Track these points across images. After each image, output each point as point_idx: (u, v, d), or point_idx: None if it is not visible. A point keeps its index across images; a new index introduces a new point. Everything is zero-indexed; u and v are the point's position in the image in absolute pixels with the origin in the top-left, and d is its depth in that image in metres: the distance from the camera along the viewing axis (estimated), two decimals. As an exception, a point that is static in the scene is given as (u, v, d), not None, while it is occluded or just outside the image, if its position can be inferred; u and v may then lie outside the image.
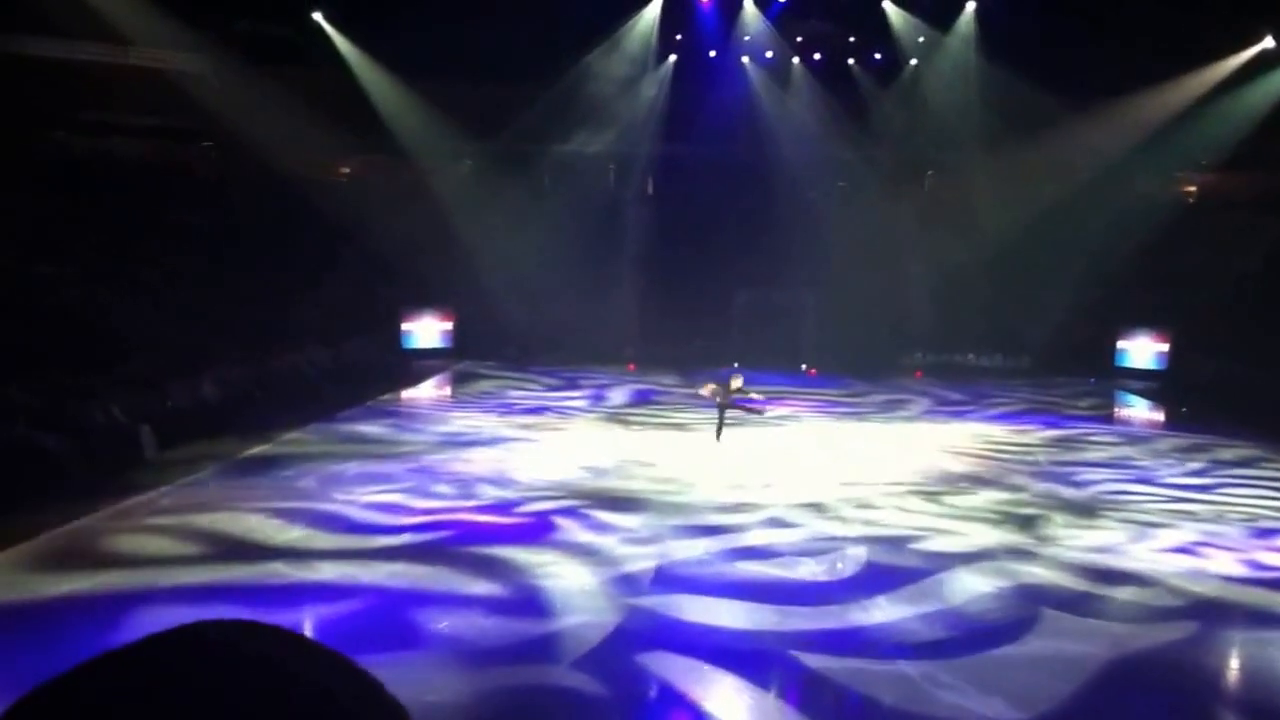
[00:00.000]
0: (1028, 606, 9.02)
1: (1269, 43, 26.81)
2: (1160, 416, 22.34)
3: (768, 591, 9.12)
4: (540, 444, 16.29)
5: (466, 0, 24.74)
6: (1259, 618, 9.00)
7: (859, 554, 10.48)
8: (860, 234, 28.36)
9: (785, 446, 16.56)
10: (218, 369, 18.17)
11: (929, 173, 32.40)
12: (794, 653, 7.77)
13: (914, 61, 30.06)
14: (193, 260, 23.70)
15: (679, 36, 30.20)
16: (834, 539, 11.08)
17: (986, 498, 13.13)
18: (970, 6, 28.39)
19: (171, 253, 23.68)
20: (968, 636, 8.28)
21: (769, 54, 30.65)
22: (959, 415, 20.42)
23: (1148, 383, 25.32)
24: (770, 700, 7.26)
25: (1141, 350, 26.78)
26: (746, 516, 11.83)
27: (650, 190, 32.78)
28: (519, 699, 7.10)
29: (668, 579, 9.51)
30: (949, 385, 24.53)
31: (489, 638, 8.01)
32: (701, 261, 28.81)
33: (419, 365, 25.77)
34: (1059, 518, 12.10)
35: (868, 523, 11.73)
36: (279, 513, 11.51)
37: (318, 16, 27.68)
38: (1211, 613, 9.01)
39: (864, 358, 26.92)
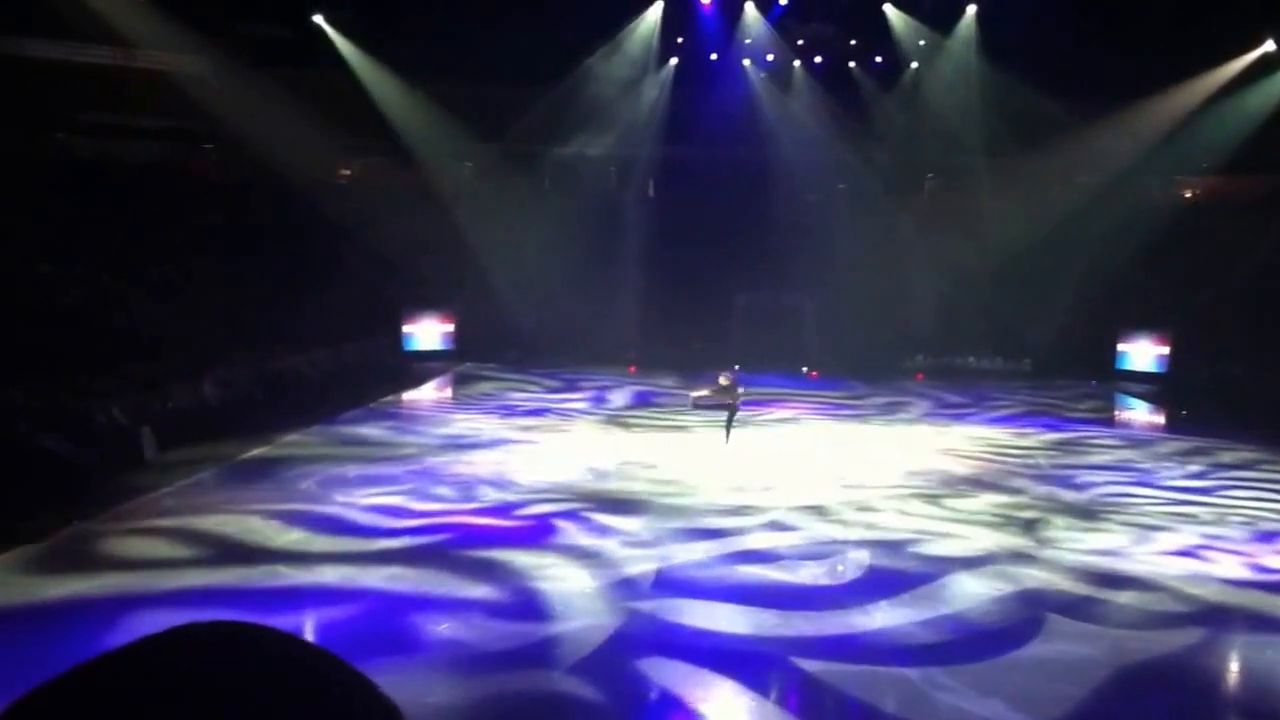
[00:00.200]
0: (1028, 610, 9.00)
1: (1270, 46, 26.80)
2: (1161, 419, 22.33)
3: (768, 595, 9.10)
4: (541, 446, 16.28)
5: (468, 3, 24.79)
6: (1260, 621, 8.98)
7: (860, 557, 10.47)
8: (861, 236, 28.39)
9: (786, 449, 16.55)
10: (219, 370, 18.18)
11: (930, 176, 32.42)
12: (794, 658, 7.74)
13: (915, 64, 30.07)
14: (195, 262, 23.71)
15: (680, 39, 30.24)
16: (835, 542, 11.08)
17: (987, 500, 13.12)
18: (971, 9, 28.41)
19: (173, 254, 23.69)
20: (968, 640, 8.27)
21: (770, 57, 30.69)
22: (960, 418, 20.41)
23: (1148, 385, 25.30)
24: (770, 707, 7.23)
25: (1142, 353, 26.77)
26: (747, 519, 11.82)
27: (651, 192, 32.81)
28: (516, 704, 7.08)
29: (668, 583, 9.49)
30: (950, 388, 24.52)
31: (488, 641, 7.99)
32: (702, 264, 28.83)
33: (420, 367, 25.78)
34: (1059, 521, 12.09)
35: (869, 526, 11.72)
36: (279, 515, 11.50)
37: (319, 19, 27.71)
38: (1212, 616, 8.99)
39: (865, 360, 26.92)
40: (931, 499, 13.11)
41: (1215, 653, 8.39)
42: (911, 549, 10.76)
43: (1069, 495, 13.52)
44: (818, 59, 30.66)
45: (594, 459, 15.24)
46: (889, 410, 21.31)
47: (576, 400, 21.63)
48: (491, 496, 12.81)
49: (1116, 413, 23.19)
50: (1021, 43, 25.57)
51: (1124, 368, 26.69)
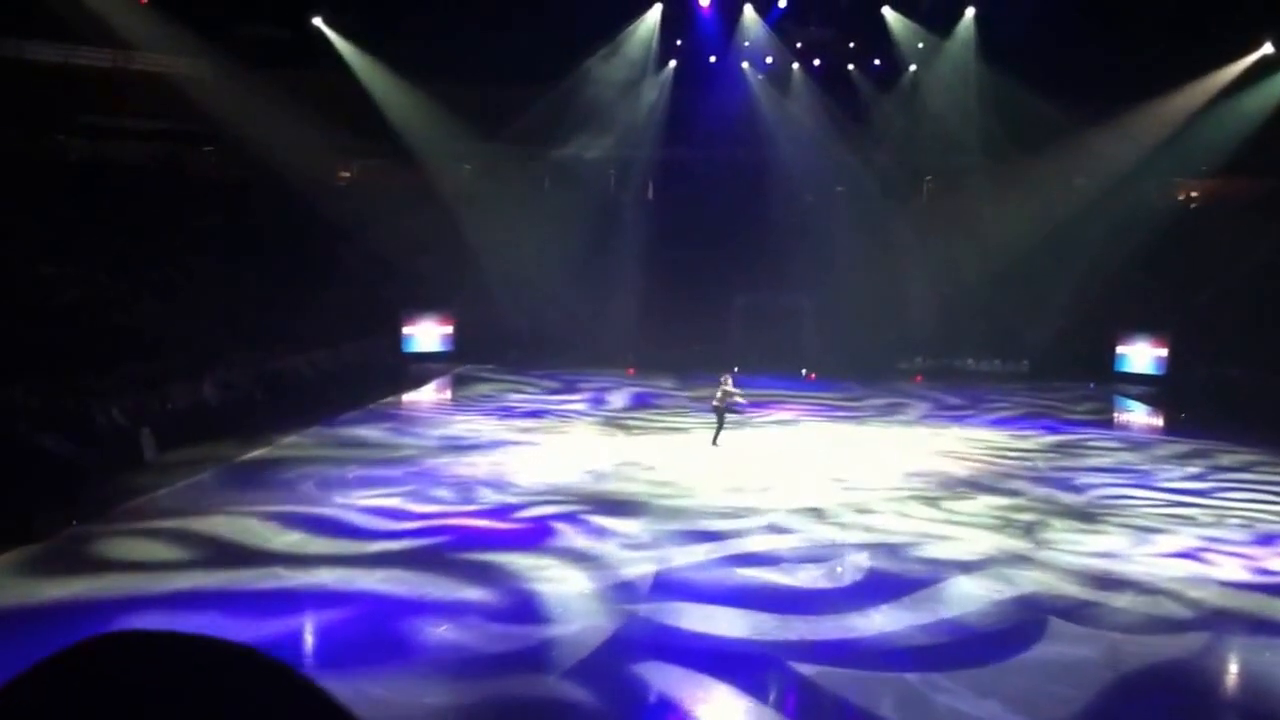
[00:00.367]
0: (1026, 612, 9.01)
1: (1268, 49, 26.83)
2: (1159, 421, 22.35)
3: (767, 599, 9.09)
4: (540, 448, 16.29)
5: (467, 5, 24.81)
6: (1259, 623, 8.98)
7: (858, 560, 10.47)
8: (859, 238, 28.41)
9: (785, 450, 16.56)
10: (218, 371, 18.17)
11: (928, 178, 32.45)
12: (793, 662, 7.72)
13: (913, 67, 30.10)
14: (194, 263, 23.70)
15: (679, 41, 30.25)
16: (833, 545, 11.08)
17: (985, 503, 13.12)
18: (969, 12, 28.43)
19: (174, 256, 23.69)
20: (966, 642, 8.28)
21: (769, 59, 30.71)
22: (958, 420, 20.41)
23: (1146, 387, 25.32)
24: (768, 711, 7.20)
25: (1140, 355, 26.78)
26: (746, 522, 11.81)
27: (650, 194, 32.83)
28: (511, 707, 7.05)
29: (666, 585, 9.48)
30: (948, 389, 24.54)
31: (484, 644, 7.98)
32: (701, 265, 28.85)
33: (419, 368, 25.78)
34: (1058, 523, 12.10)
35: (867, 528, 11.72)
36: (277, 517, 11.51)
37: (318, 21, 27.72)
38: (1211, 618, 9.00)
39: (863, 362, 26.94)
40: (930, 501, 13.12)
41: (1214, 655, 8.39)
42: (910, 551, 10.76)
43: (1067, 497, 13.53)
44: (816, 61, 30.69)
45: (592, 460, 15.25)
46: (887, 412, 21.31)
47: (575, 402, 21.63)
48: (490, 498, 12.82)
49: (1115, 415, 23.21)
50: (1020, 45, 25.59)
51: (1122, 370, 26.71)
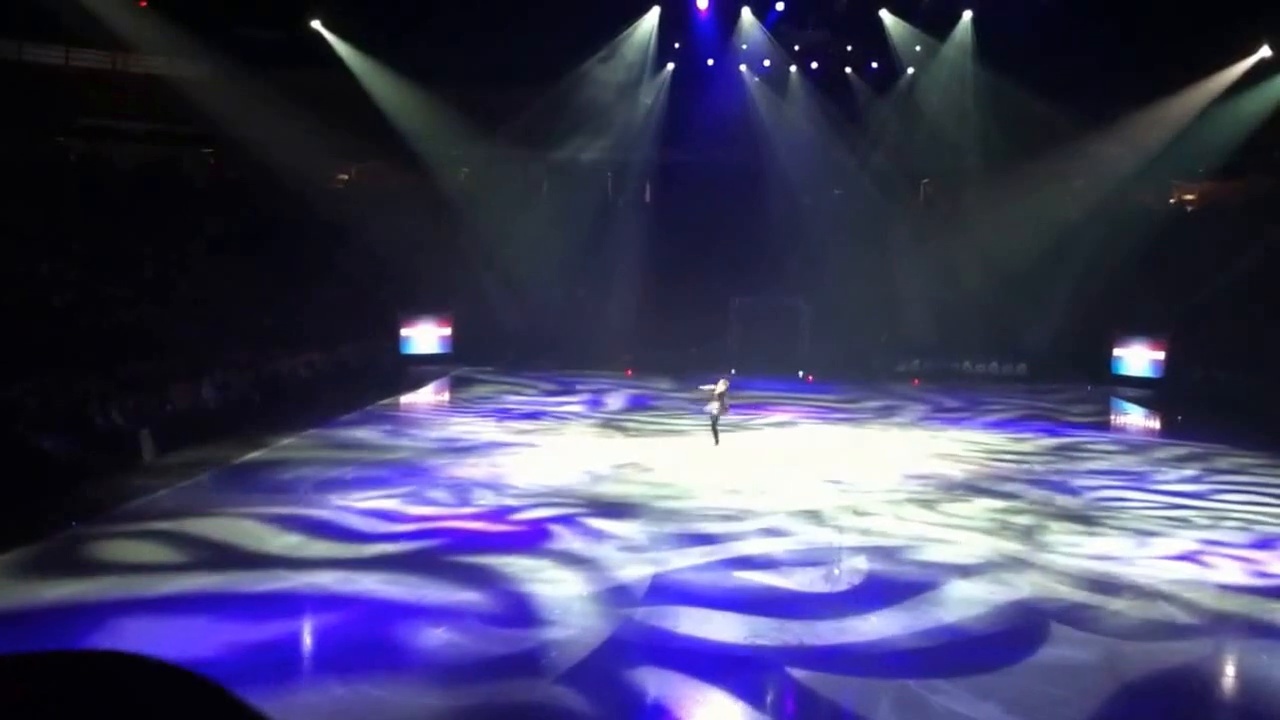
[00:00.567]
0: (1024, 615, 9.00)
1: (1265, 52, 26.88)
2: (1156, 424, 22.38)
3: (764, 602, 9.07)
4: (537, 449, 16.28)
5: (466, 7, 24.82)
6: (1256, 625, 8.99)
7: (856, 564, 10.46)
8: (857, 241, 28.44)
9: (782, 452, 16.56)
10: (217, 373, 18.17)
11: (925, 180, 32.50)
12: (789, 667, 7.69)
13: (911, 70, 30.15)
14: (193, 264, 23.72)
15: (677, 45, 30.28)
16: (831, 548, 11.07)
17: (982, 505, 13.12)
18: (967, 16, 28.48)
19: (172, 257, 23.69)
20: (963, 645, 8.27)
21: (766, 62, 30.74)
22: (955, 422, 20.43)
23: (1143, 390, 25.36)
24: (764, 718, 7.15)
25: (1137, 358, 26.83)
26: (743, 525, 11.81)
27: (648, 196, 32.87)
28: (505, 713, 7.00)
29: (662, 589, 9.45)
30: (945, 392, 24.57)
31: (479, 648, 7.94)
32: (698, 268, 28.88)
33: (417, 370, 25.77)
34: (1055, 525, 12.10)
35: (864, 531, 11.72)
36: (274, 519, 11.49)
37: (316, 24, 27.73)
38: (1208, 620, 9.00)
39: (860, 364, 26.98)
40: (927, 504, 13.12)
41: (1212, 657, 8.40)
42: (907, 554, 10.76)
43: (1065, 500, 13.54)
44: (814, 64, 30.73)
45: (590, 462, 15.24)
46: (884, 414, 21.34)
47: (573, 403, 21.64)
48: (486, 500, 12.81)
49: (1112, 417, 23.24)
50: (1017, 49, 25.64)
51: (1119, 372, 26.76)
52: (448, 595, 9.11)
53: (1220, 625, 8.94)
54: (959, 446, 17.50)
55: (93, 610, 8.53)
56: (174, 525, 11.19)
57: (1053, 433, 19.28)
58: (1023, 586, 9.75)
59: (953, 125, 29.10)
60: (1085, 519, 12.48)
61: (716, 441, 16.28)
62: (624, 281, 28.35)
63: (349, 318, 25.32)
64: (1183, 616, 9.08)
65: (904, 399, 23.47)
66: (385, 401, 21.21)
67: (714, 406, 16.40)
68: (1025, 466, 15.89)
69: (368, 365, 24.34)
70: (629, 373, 25.99)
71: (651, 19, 29.39)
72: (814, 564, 10.41)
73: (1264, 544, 11.51)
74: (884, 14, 28.81)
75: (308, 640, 8.42)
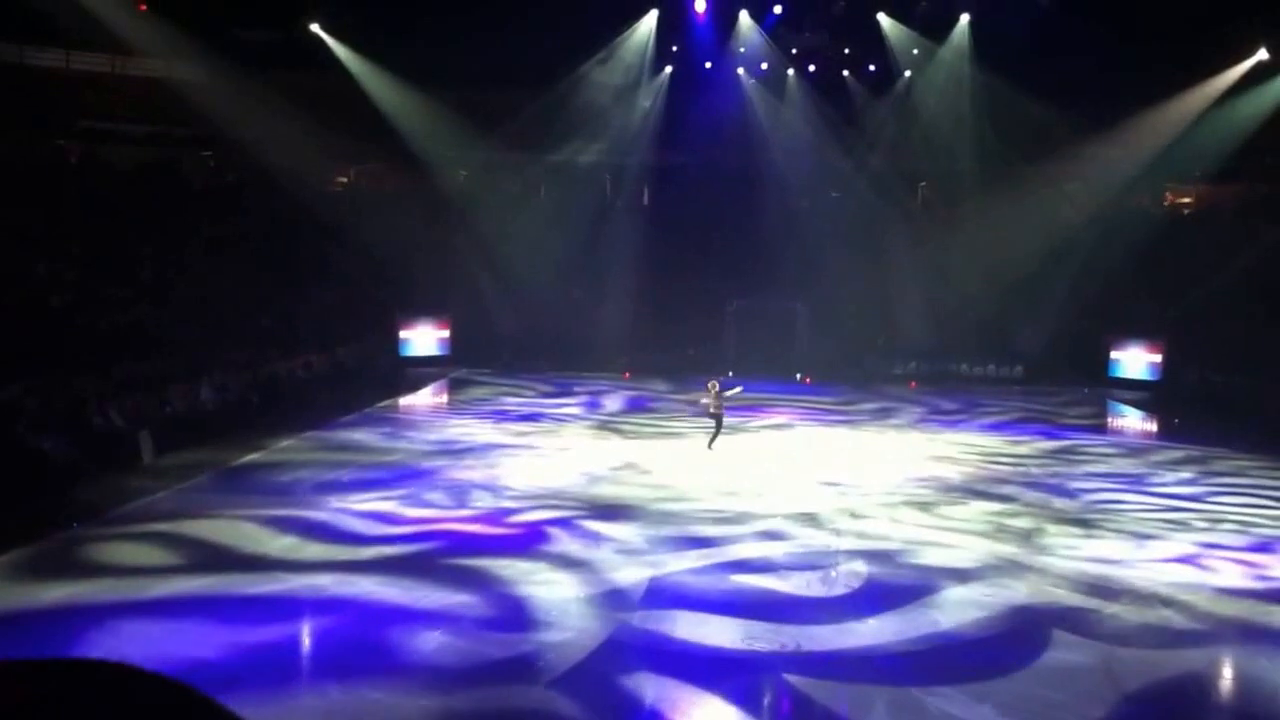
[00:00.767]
0: (1021, 619, 9.01)
1: (1262, 55, 26.95)
2: (1153, 426, 22.42)
3: (760, 606, 9.07)
4: (534, 451, 16.30)
5: (464, 9, 24.84)
6: (1254, 627, 9.01)
7: (852, 567, 10.47)
8: (853, 244, 28.48)
9: (779, 455, 16.58)
10: (215, 374, 18.18)
11: (922, 183, 32.56)
12: (785, 672, 7.68)
13: (908, 73, 30.22)
14: (192, 266, 23.72)
15: (675, 48, 30.33)
16: (828, 551, 11.08)
17: (979, 508, 13.14)
18: (964, 19, 28.55)
19: (171, 259, 23.69)
20: (960, 648, 8.28)
21: (764, 65, 30.80)
22: (952, 425, 20.46)
23: (1140, 393, 25.41)
24: None
25: (1134, 360, 26.88)
26: (740, 528, 11.82)
27: (645, 199, 32.91)
28: (498, 718, 7.00)
29: (659, 592, 9.45)
30: (942, 394, 24.60)
31: (474, 652, 7.94)
32: (695, 270, 28.91)
33: (415, 372, 25.78)
34: (1052, 528, 12.12)
35: (861, 535, 11.74)
36: (272, 521, 11.50)
37: (315, 27, 27.76)
38: (1206, 623, 9.02)
39: (857, 366, 27.01)
40: (924, 506, 13.14)
41: (1210, 660, 8.43)
42: (904, 558, 10.77)
43: (1061, 503, 13.56)
44: (811, 67, 30.78)
45: (587, 464, 15.26)
46: (881, 416, 21.37)
47: (570, 405, 21.66)
48: (483, 502, 12.81)
49: (1109, 420, 23.28)
50: (1014, 52, 25.70)
51: (1116, 375, 26.80)
52: (444, 598, 9.11)
53: (1218, 628, 8.96)
54: (956, 449, 17.52)
55: (90, 612, 8.54)
56: (172, 527, 11.20)
57: (1050, 435, 19.31)
58: (1020, 590, 9.76)
59: (950, 128, 29.15)
60: (1082, 522, 12.50)
61: (711, 444, 16.30)
62: (621, 283, 28.37)
63: (347, 319, 25.33)
64: (1180, 620, 9.09)
65: (901, 401, 23.51)
66: (383, 403, 21.22)
67: (708, 402, 16.46)
68: (1022, 469, 15.92)
69: (365, 367, 24.34)
70: (627, 375, 26.01)
71: (649, 22, 29.43)
72: (811, 567, 10.40)
73: (1261, 547, 11.53)
74: (881, 17, 28.87)
75: (305, 642, 8.43)
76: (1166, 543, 11.62)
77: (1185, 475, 15.65)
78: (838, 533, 11.78)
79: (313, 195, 27.32)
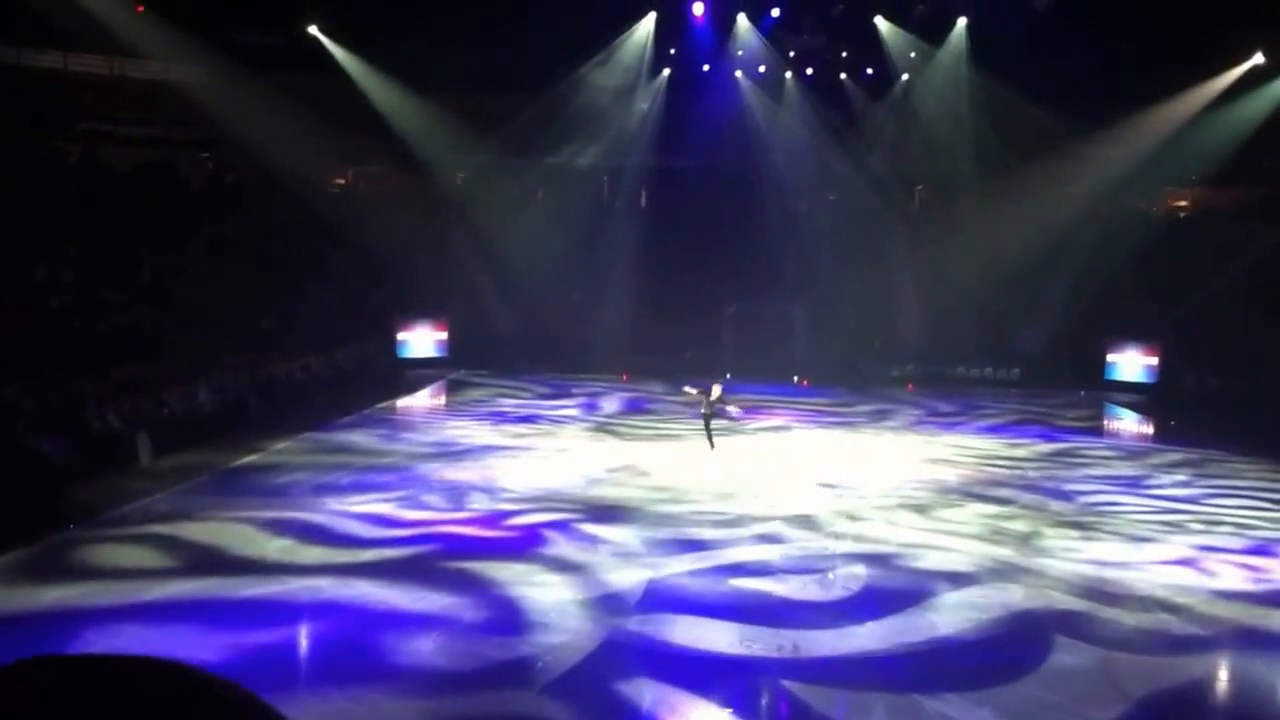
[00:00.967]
0: (1019, 621, 9.03)
1: (1259, 59, 27.00)
2: (1150, 429, 22.45)
3: (758, 610, 9.05)
4: (532, 453, 16.30)
5: (463, 12, 24.86)
6: (1252, 629, 9.02)
7: (850, 570, 10.47)
8: (851, 246, 28.49)
9: (776, 457, 16.59)
10: (213, 376, 18.17)
11: (920, 186, 32.59)
12: (782, 676, 7.68)
13: (905, 76, 30.26)
14: (191, 267, 23.69)
15: (673, 50, 30.35)
16: (825, 555, 11.08)
17: (977, 511, 13.15)
18: (961, 22, 28.60)
19: (169, 260, 23.67)
20: (958, 651, 8.29)
21: (762, 68, 30.83)
22: (949, 427, 20.48)
23: (1137, 395, 25.44)
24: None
25: (1131, 363, 26.92)
26: (738, 530, 11.82)
27: (643, 202, 32.92)
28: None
29: (655, 595, 9.43)
30: (939, 397, 24.62)
31: (471, 655, 7.93)
32: (694, 272, 28.92)
33: (413, 374, 25.78)
34: (1049, 531, 12.13)
35: (858, 537, 11.74)
36: (269, 523, 11.49)
37: (314, 30, 27.76)
38: (1204, 625, 9.03)
39: (855, 369, 27.02)
40: (921, 509, 13.15)
41: (1208, 663, 8.45)
42: (901, 560, 10.78)
43: (1058, 505, 13.57)
44: (809, 70, 30.83)
45: (585, 466, 15.26)
46: (878, 419, 21.38)
47: (568, 407, 21.66)
48: (481, 504, 12.81)
49: (1105, 422, 23.32)
50: (1011, 55, 25.75)
51: (1113, 377, 26.84)
52: (441, 600, 9.11)
53: (1215, 631, 8.97)
54: (953, 451, 17.54)
55: (87, 613, 8.53)
56: (170, 528, 11.19)
57: (1047, 438, 19.33)
58: (1017, 593, 9.77)
59: (947, 131, 29.19)
60: (1079, 524, 12.52)
61: (711, 445, 16.32)
62: (619, 286, 28.38)
63: (345, 321, 25.31)
64: (1178, 622, 9.10)
65: (898, 404, 23.52)
66: (381, 405, 21.21)
67: (697, 397, 16.49)
68: (1019, 472, 15.93)
69: (363, 369, 24.33)
70: (625, 377, 26.01)
71: (647, 25, 29.45)
72: (808, 571, 10.40)
73: (1258, 549, 11.55)
74: (879, 20, 28.91)
75: (302, 644, 8.43)
76: (1164, 545, 11.63)
77: (1182, 478, 15.68)
78: (835, 536, 11.78)
79: (311, 197, 27.32)
